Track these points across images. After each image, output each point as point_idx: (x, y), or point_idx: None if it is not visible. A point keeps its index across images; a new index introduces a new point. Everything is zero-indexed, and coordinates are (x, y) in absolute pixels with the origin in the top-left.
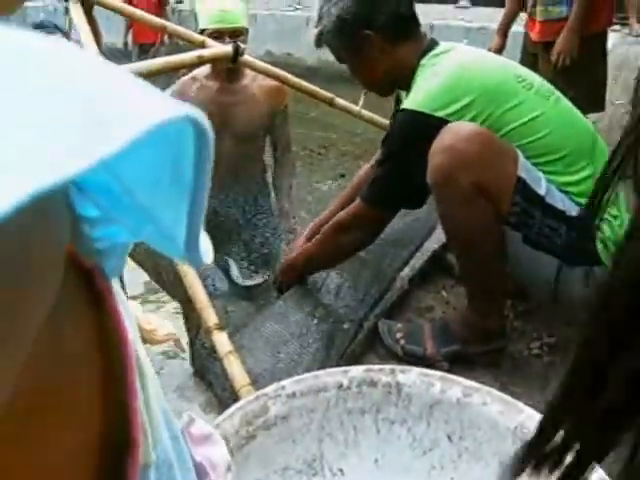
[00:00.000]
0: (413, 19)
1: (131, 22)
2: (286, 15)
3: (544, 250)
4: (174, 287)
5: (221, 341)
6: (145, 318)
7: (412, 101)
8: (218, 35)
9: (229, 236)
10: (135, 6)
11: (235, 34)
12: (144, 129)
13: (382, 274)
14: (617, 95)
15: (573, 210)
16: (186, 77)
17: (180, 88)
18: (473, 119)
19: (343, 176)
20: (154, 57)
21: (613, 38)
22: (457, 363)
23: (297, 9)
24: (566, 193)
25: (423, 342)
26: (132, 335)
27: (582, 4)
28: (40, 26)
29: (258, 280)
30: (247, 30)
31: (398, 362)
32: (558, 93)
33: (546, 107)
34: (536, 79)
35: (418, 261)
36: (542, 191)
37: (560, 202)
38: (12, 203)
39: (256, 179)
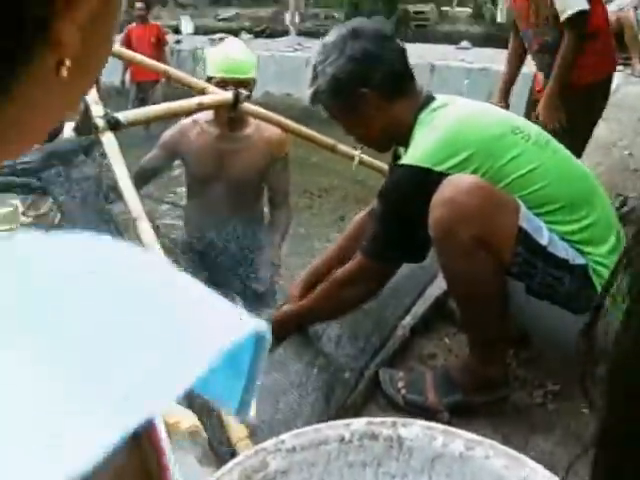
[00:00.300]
0: (409, 75)
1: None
2: (285, 56)
3: (547, 299)
4: None
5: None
6: (168, 410)
7: (411, 156)
8: (226, 84)
9: (225, 274)
10: (134, 47)
11: (243, 84)
12: (218, 354)
13: (384, 322)
14: (619, 136)
15: (576, 258)
16: (188, 120)
17: (180, 130)
18: (473, 173)
19: (343, 219)
20: (152, 96)
21: (616, 78)
22: (458, 413)
23: (297, 50)
24: (568, 242)
25: (425, 391)
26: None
27: (562, 65)
28: None
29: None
30: (255, 80)
31: (399, 412)
32: (555, 142)
33: (544, 158)
34: (533, 130)
35: (420, 308)
36: (544, 241)
37: (563, 251)
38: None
39: (252, 225)
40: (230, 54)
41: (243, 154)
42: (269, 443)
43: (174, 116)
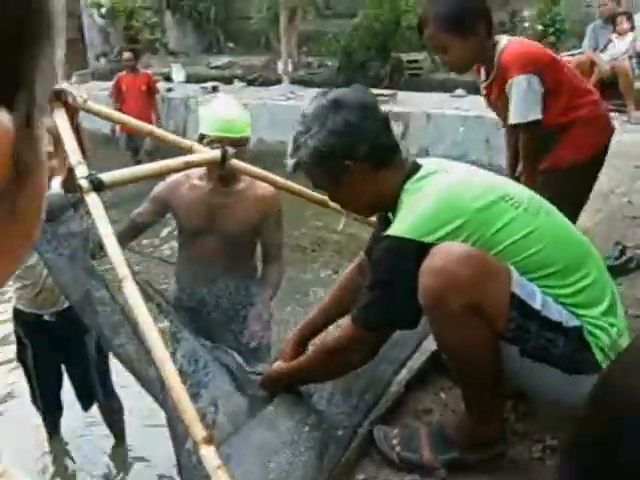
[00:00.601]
0: (393, 145)
1: (119, 108)
2: (278, 105)
3: (542, 361)
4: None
5: (209, 455)
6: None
7: (399, 227)
8: (221, 143)
9: (218, 330)
10: (124, 95)
11: (239, 143)
12: None
13: (378, 378)
14: (617, 184)
15: (570, 320)
16: (179, 174)
17: (172, 184)
18: (464, 242)
19: (337, 273)
20: (143, 145)
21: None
22: (455, 469)
23: (289, 98)
24: (562, 304)
25: (420, 448)
26: None
27: (525, 165)
28: None
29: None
30: (249, 139)
31: (394, 469)
32: (548, 206)
33: (536, 223)
34: (524, 196)
35: (416, 362)
36: (538, 305)
37: (557, 313)
38: None
39: (243, 279)
40: (225, 113)
41: (235, 209)
42: None
43: (160, 176)
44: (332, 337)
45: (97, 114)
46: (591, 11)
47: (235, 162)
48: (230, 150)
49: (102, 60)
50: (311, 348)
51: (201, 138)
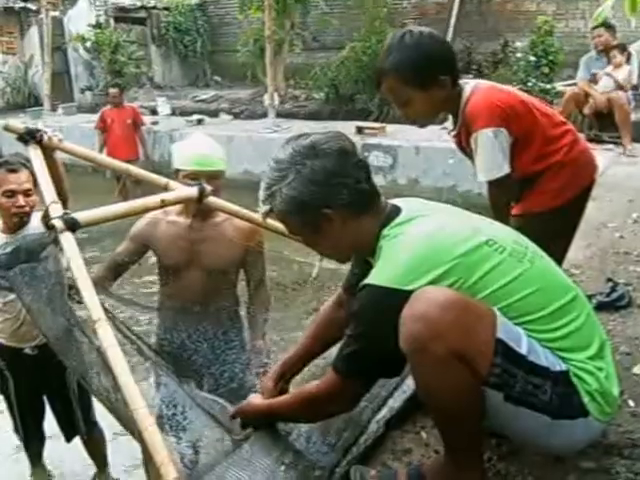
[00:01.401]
0: (373, 191)
1: (105, 139)
2: (263, 137)
3: (528, 407)
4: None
5: None
6: None
7: (380, 276)
8: (194, 177)
9: (198, 370)
10: (109, 128)
11: (212, 177)
12: None
13: (357, 416)
14: (610, 217)
15: (557, 365)
16: (158, 211)
17: (150, 221)
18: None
19: (318, 310)
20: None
21: (606, 158)
22: None
23: (275, 131)
24: (549, 349)
25: None
26: None
27: (495, 216)
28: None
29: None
30: (223, 172)
31: None
32: (533, 250)
33: (521, 269)
34: (509, 239)
35: (396, 400)
36: (524, 350)
37: (543, 358)
38: None
39: (227, 313)
40: (200, 148)
41: (214, 242)
42: None
43: (135, 214)
44: (314, 386)
45: (72, 153)
46: (585, 42)
47: (212, 199)
48: (207, 188)
49: (87, 93)
50: (291, 391)
51: (176, 173)
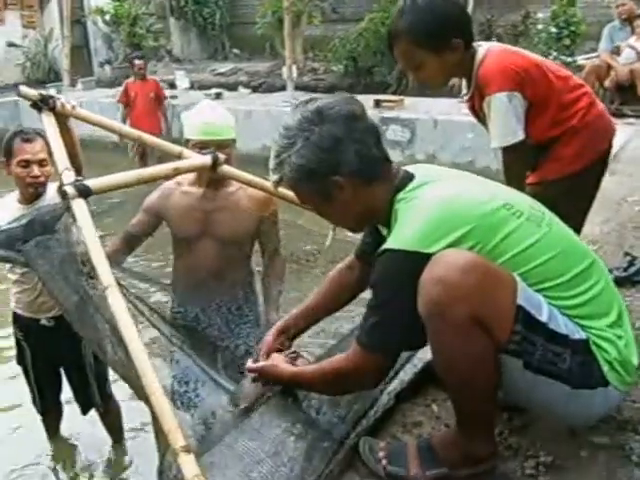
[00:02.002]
0: (384, 157)
1: (127, 113)
2: (282, 111)
3: (547, 375)
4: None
5: (188, 465)
6: None
7: (397, 239)
8: (203, 146)
9: (213, 344)
10: (132, 102)
11: (221, 146)
12: None
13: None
14: (629, 192)
15: (576, 333)
16: (170, 182)
17: (163, 193)
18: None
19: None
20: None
21: (627, 132)
22: None
23: (294, 104)
24: (568, 316)
25: (407, 463)
26: None
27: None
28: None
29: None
30: (234, 141)
31: None
32: (549, 215)
33: (539, 234)
34: (525, 205)
35: (407, 373)
36: (544, 317)
37: (563, 326)
38: None
39: (242, 285)
40: (207, 117)
41: (227, 212)
42: None
43: (148, 182)
44: (339, 360)
45: (85, 120)
46: (609, 12)
47: (226, 168)
48: (221, 156)
49: (106, 67)
50: (313, 365)
51: (186, 143)
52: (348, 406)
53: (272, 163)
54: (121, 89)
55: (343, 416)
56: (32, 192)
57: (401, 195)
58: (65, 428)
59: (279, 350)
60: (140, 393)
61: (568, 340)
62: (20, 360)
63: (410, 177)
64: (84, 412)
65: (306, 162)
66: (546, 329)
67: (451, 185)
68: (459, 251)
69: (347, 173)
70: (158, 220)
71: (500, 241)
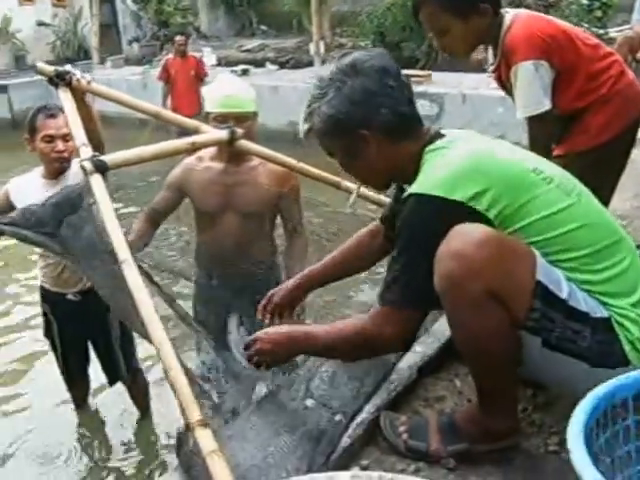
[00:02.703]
0: (414, 115)
1: (168, 91)
2: (309, 87)
3: (565, 353)
4: None
5: (204, 439)
6: None
7: (422, 185)
8: (223, 119)
9: (234, 319)
10: (173, 79)
11: (241, 119)
12: None
13: (382, 362)
14: None
15: (598, 311)
16: (192, 157)
17: (185, 168)
18: (488, 208)
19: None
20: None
21: None
22: (464, 460)
23: None
24: (588, 292)
25: (428, 438)
26: None
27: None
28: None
29: None
30: (255, 114)
31: (400, 457)
32: (581, 188)
33: (567, 202)
34: (556, 173)
35: (430, 347)
36: (564, 294)
37: (583, 303)
38: None
39: (264, 260)
40: (227, 89)
41: (249, 187)
42: None
43: (165, 157)
44: (362, 320)
45: (101, 95)
46: None
47: (244, 143)
48: (238, 130)
49: (134, 45)
50: (326, 327)
51: (206, 116)
52: (361, 380)
53: (303, 114)
54: (160, 66)
55: (357, 389)
56: (57, 167)
57: (430, 147)
58: (93, 399)
59: (291, 307)
60: None
61: (588, 318)
62: (47, 333)
63: (441, 135)
64: (110, 384)
65: (335, 112)
66: (566, 306)
67: (483, 143)
68: (477, 225)
69: (375, 128)
70: (181, 195)
71: (525, 203)
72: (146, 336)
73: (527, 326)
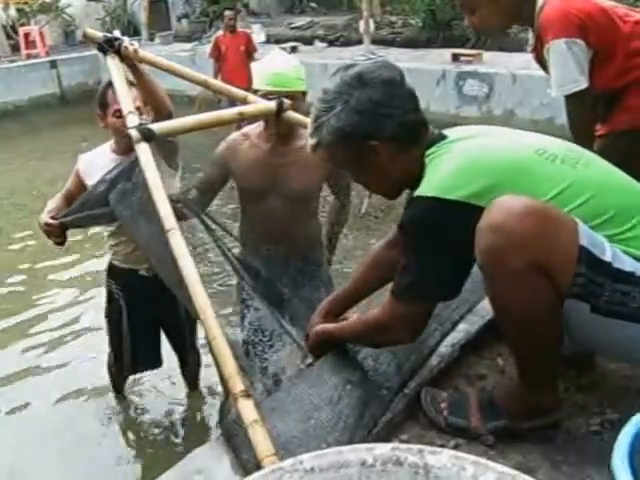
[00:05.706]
0: (421, 123)
1: (219, 67)
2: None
3: (616, 317)
4: None
5: (247, 409)
6: None
7: (424, 188)
8: (271, 98)
9: (279, 298)
10: (224, 55)
11: (289, 97)
12: None
13: (426, 339)
14: None
15: None
16: (238, 133)
17: (231, 145)
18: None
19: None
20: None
21: None
22: (504, 437)
23: (369, 59)
24: (628, 253)
25: (468, 415)
26: None
27: (576, 138)
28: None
29: None
30: (304, 93)
31: (440, 432)
32: (588, 155)
33: (575, 174)
34: (560, 148)
35: (473, 325)
36: (608, 257)
37: (628, 264)
38: None
39: (309, 241)
40: (276, 67)
41: (296, 168)
42: (287, 462)
43: (213, 126)
44: (377, 312)
45: (149, 63)
46: None
47: (291, 114)
48: (286, 101)
49: (183, 21)
50: (352, 318)
51: (254, 93)
52: (406, 356)
53: (310, 127)
54: (211, 43)
55: (401, 366)
56: (128, 142)
57: (430, 151)
58: (128, 386)
59: None
60: None
61: (635, 277)
62: (109, 314)
63: (442, 137)
64: (182, 363)
65: (344, 125)
66: (611, 268)
67: (482, 140)
68: (517, 197)
69: (384, 138)
70: (227, 172)
71: (532, 186)
72: (190, 307)
73: (573, 293)
